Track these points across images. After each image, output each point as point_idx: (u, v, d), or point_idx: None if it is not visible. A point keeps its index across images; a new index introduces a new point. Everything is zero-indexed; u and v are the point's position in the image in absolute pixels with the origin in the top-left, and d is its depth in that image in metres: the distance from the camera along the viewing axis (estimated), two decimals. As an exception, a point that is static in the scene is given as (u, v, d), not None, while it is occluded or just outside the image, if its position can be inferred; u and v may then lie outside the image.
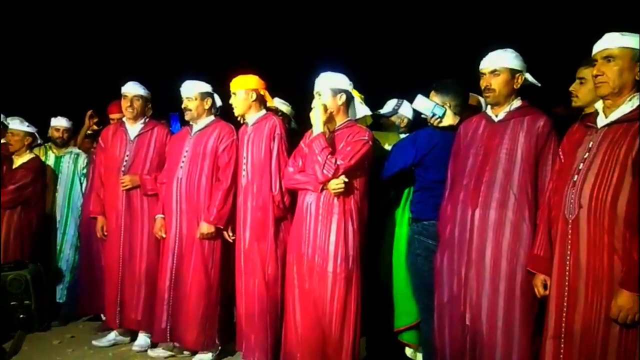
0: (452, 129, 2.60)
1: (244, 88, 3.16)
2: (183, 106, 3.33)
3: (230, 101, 3.21)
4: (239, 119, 3.27)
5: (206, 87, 3.33)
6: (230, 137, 3.25)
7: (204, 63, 5.03)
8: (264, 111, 3.22)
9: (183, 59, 5.49)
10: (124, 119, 3.67)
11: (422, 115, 2.70)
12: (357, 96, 2.89)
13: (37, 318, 3.74)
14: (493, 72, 2.38)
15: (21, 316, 3.69)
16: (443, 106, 2.64)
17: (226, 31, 5.81)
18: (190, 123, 3.38)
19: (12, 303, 3.68)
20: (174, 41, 5.79)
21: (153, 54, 5.71)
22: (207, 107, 3.32)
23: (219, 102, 3.41)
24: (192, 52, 5.67)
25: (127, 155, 3.55)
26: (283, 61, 5.30)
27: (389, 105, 3.26)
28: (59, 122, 4.27)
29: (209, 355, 3.25)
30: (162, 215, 3.34)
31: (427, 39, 5.17)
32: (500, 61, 2.38)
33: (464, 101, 2.74)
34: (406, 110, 3.19)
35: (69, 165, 4.24)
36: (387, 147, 3.02)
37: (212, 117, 3.36)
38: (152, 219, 3.42)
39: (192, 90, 3.29)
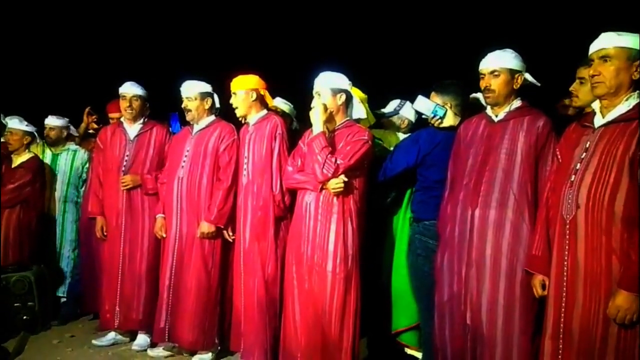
0: (453, 129, 2.61)
1: (245, 88, 3.17)
2: (183, 106, 3.34)
3: (231, 101, 3.21)
4: (240, 119, 3.28)
5: (206, 87, 3.34)
6: (231, 136, 3.26)
7: (204, 63, 5.03)
8: (265, 111, 3.23)
9: (182, 59, 5.49)
10: (122, 119, 3.67)
11: (423, 116, 2.71)
12: (359, 96, 2.89)
13: (40, 319, 3.76)
14: (492, 72, 2.39)
15: (24, 317, 3.69)
16: (444, 107, 2.64)
17: (226, 31, 5.81)
18: (191, 123, 3.38)
19: (15, 304, 3.69)
20: (174, 41, 5.79)
21: (152, 53, 5.71)
22: (207, 107, 3.33)
23: (217, 103, 3.41)
24: (192, 52, 5.67)
25: (127, 156, 3.55)
26: (284, 61, 5.30)
27: (391, 106, 3.25)
28: (49, 121, 4.25)
29: (209, 355, 3.25)
30: (163, 215, 3.35)
31: (430, 39, 5.17)
32: (499, 62, 2.39)
33: (464, 101, 2.74)
34: (408, 112, 3.19)
35: (66, 162, 4.22)
36: (386, 146, 3.02)
37: (212, 117, 3.37)
38: (153, 218, 3.43)
39: (192, 90, 3.30)
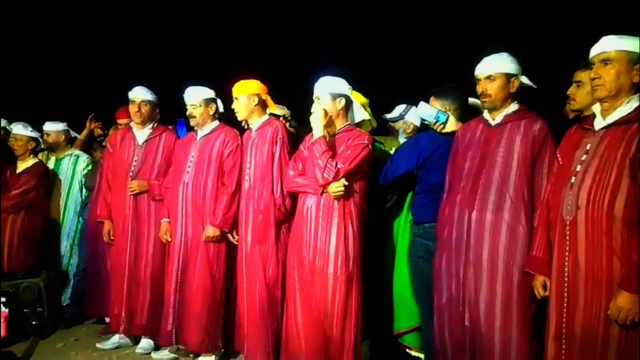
0: (454, 134, 2.61)
1: (246, 93, 3.18)
2: (188, 113, 3.35)
3: (233, 106, 3.23)
4: (242, 124, 3.30)
5: (210, 93, 3.35)
6: (235, 142, 3.28)
7: (207, 68, 5.06)
8: (266, 116, 3.24)
9: (186, 64, 5.52)
10: (131, 124, 3.68)
11: (426, 122, 2.72)
12: (361, 100, 2.90)
13: (49, 324, 3.78)
14: (488, 77, 2.40)
15: (33, 323, 3.72)
16: (446, 112, 2.65)
17: (228, 36, 5.84)
18: (196, 129, 3.40)
19: (25, 310, 3.72)
20: (178, 46, 5.82)
21: (157, 59, 5.74)
22: (211, 112, 3.35)
23: (221, 108, 3.42)
24: (195, 57, 5.70)
25: (135, 161, 3.56)
26: (285, 66, 5.32)
27: (397, 111, 3.26)
28: (45, 127, 4.26)
29: (212, 357, 3.26)
30: (168, 219, 3.37)
31: (432, 43, 5.18)
32: (494, 66, 2.40)
33: (463, 104, 2.74)
34: (413, 117, 3.18)
35: (68, 166, 4.24)
36: (386, 149, 3.03)
37: (216, 122, 3.38)
38: (159, 224, 3.45)
39: (196, 97, 3.31)
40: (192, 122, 3.35)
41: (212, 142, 3.30)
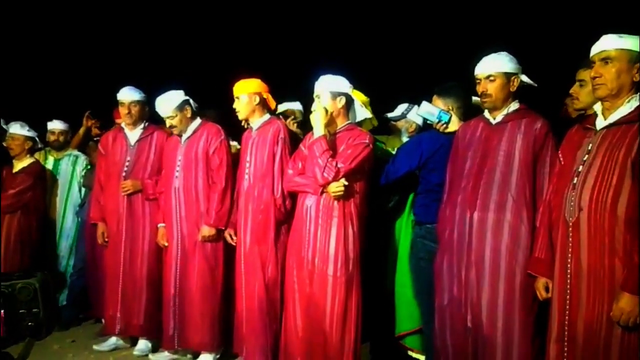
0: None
1: (247, 92, 3.16)
2: (168, 125, 3.33)
3: (234, 105, 3.21)
4: (242, 123, 3.28)
5: (179, 98, 3.30)
6: (218, 138, 3.28)
7: (208, 68, 5.05)
8: (268, 115, 3.23)
9: (186, 63, 5.50)
10: (122, 125, 3.67)
11: (428, 122, 2.71)
12: (361, 99, 2.89)
13: (45, 325, 3.76)
14: (488, 77, 2.39)
15: (29, 324, 3.70)
16: (448, 111, 2.64)
17: (229, 36, 5.82)
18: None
19: (20, 311, 3.70)
20: (178, 46, 5.81)
21: (156, 58, 5.72)
22: (189, 115, 3.33)
23: (193, 103, 3.38)
24: (196, 56, 5.69)
25: (128, 161, 3.55)
26: (288, 66, 5.30)
27: (399, 110, 3.24)
28: (54, 125, 4.27)
29: (212, 356, 3.25)
30: (163, 224, 3.36)
31: (435, 41, 5.17)
32: (494, 66, 2.39)
33: (467, 103, 2.73)
34: (415, 115, 3.17)
35: (67, 167, 4.23)
36: (389, 149, 3.02)
37: (197, 121, 3.37)
38: (154, 224, 3.44)
39: (168, 108, 3.28)
40: (175, 132, 3.34)
41: (196, 143, 3.31)
